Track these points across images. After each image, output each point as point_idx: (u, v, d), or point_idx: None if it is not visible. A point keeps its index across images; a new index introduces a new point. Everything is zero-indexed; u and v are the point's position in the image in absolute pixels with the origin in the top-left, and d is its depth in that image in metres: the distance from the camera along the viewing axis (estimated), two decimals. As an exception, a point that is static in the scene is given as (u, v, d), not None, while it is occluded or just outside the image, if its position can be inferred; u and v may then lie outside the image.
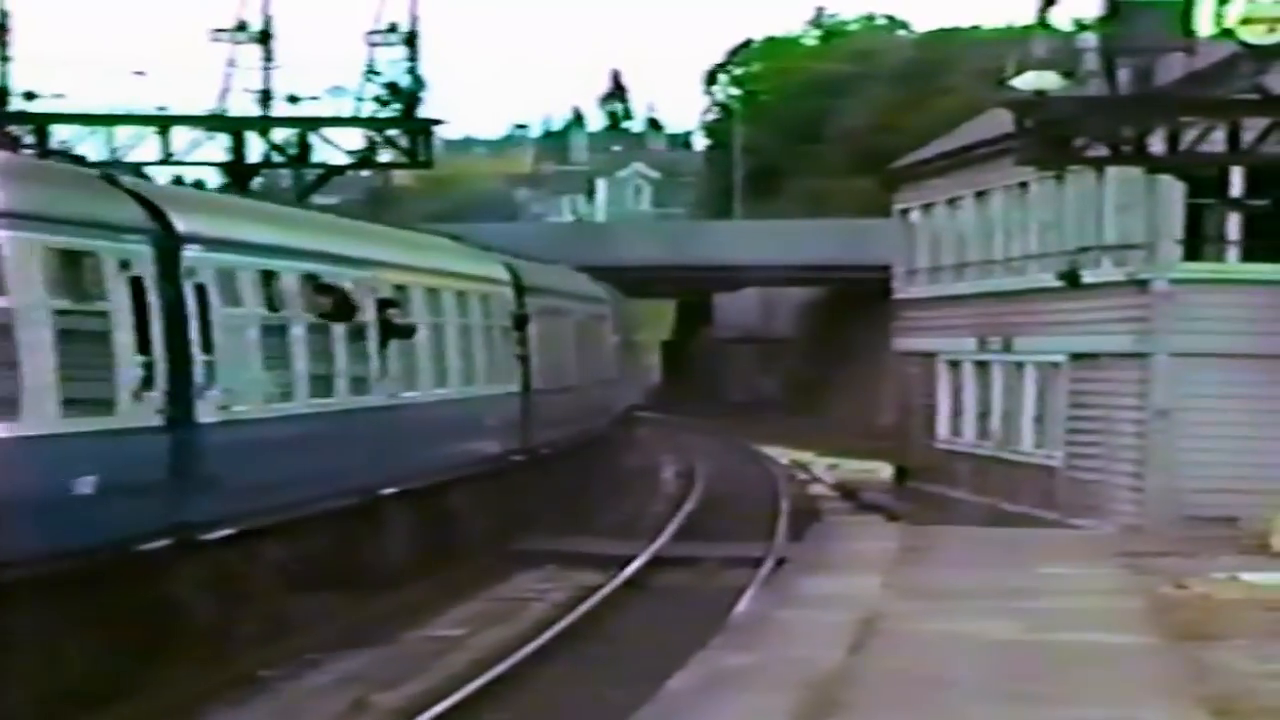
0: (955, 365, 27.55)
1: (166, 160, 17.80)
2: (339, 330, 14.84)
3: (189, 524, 11.93)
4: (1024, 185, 24.91)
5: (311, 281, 14.42)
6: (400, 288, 16.54)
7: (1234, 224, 20.91)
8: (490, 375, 19.50)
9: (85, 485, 10.69)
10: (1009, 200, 25.81)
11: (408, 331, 16.17)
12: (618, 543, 21.98)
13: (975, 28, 71.54)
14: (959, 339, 27.12)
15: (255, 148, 18.33)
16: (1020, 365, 24.99)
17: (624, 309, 32.84)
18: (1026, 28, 18.67)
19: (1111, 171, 21.22)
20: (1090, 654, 11.44)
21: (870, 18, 79.96)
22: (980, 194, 26.89)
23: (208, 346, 12.41)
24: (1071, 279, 21.74)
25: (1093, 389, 22.47)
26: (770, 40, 79.87)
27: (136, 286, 11.52)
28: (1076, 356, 22.95)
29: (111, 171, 12.71)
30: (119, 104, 18.87)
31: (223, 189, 16.81)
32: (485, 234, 28.16)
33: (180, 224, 12.32)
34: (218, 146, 18.19)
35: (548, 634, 14.78)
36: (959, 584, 14.67)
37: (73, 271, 10.90)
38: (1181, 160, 17.46)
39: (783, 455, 41.21)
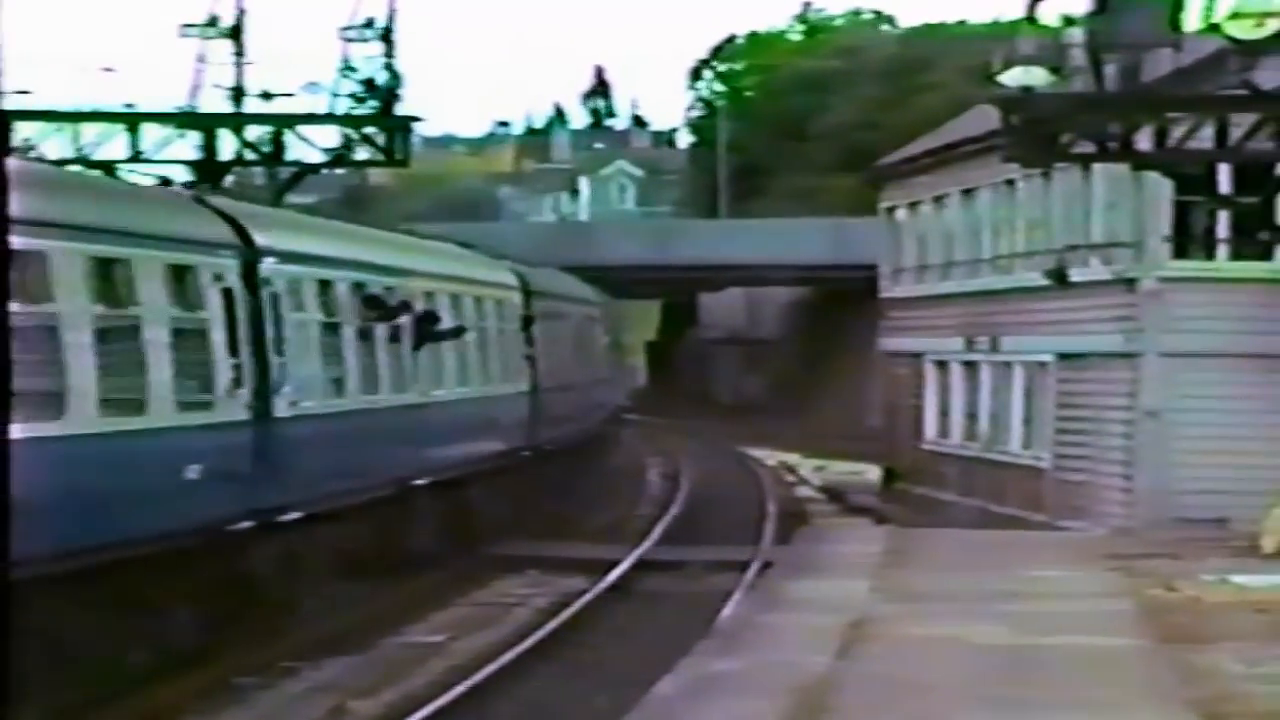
0: (942, 365, 27.43)
1: (135, 158, 17.56)
2: (381, 333, 16.77)
3: (265, 509, 13.64)
4: (1011, 183, 24.79)
5: (359, 290, 16.50)
6: (429, 294, 18.71)
7: (1222, 222, 20.82)
8: (504, 375, 21.64)
9: (192, 472, 12.54)
10: (996, 198, 25.70)
11: (456, 332, 18.74)
12: (602, 546, 21.84)
13: (962, 23, 71.59)
14: (946, 339, 27.00)
15: (227, 145, 18.09)
16: (1008, 365, 24.87)
17: (609, 310, 33.64)
18: (1014, 23, 18.54)
19: (1099, 169, 21.10)
20: (1079, 657, 11.33)
21: (857, 13, 79.97)
22: (967, 192, 26.77)
23: (280, 349, 14.29)
24: (1059, 278, 21.64)
25: (1081, 389, 22.36)
26: (755, 36, 79.85)
27: (227, 296, 13.50)
28: (1064, 356, 22.84)
29: (199, 193, 14.92)
30: (86, 101, 18.60)
31: (189, 185, 16.59)
32: (467, 233, 28.07)
33: (259, 239, 14.28)
34: (188, 144, 17.95)
35: (530, 639, 14.62)
36: (947, 587, 14.55)
37: (180, 284, 12.82)
38: (1169, 157, 17.35)
39: (769, 457, 41.11)
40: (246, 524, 13.35)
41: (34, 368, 10.52)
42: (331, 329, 15.64)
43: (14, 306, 6.95)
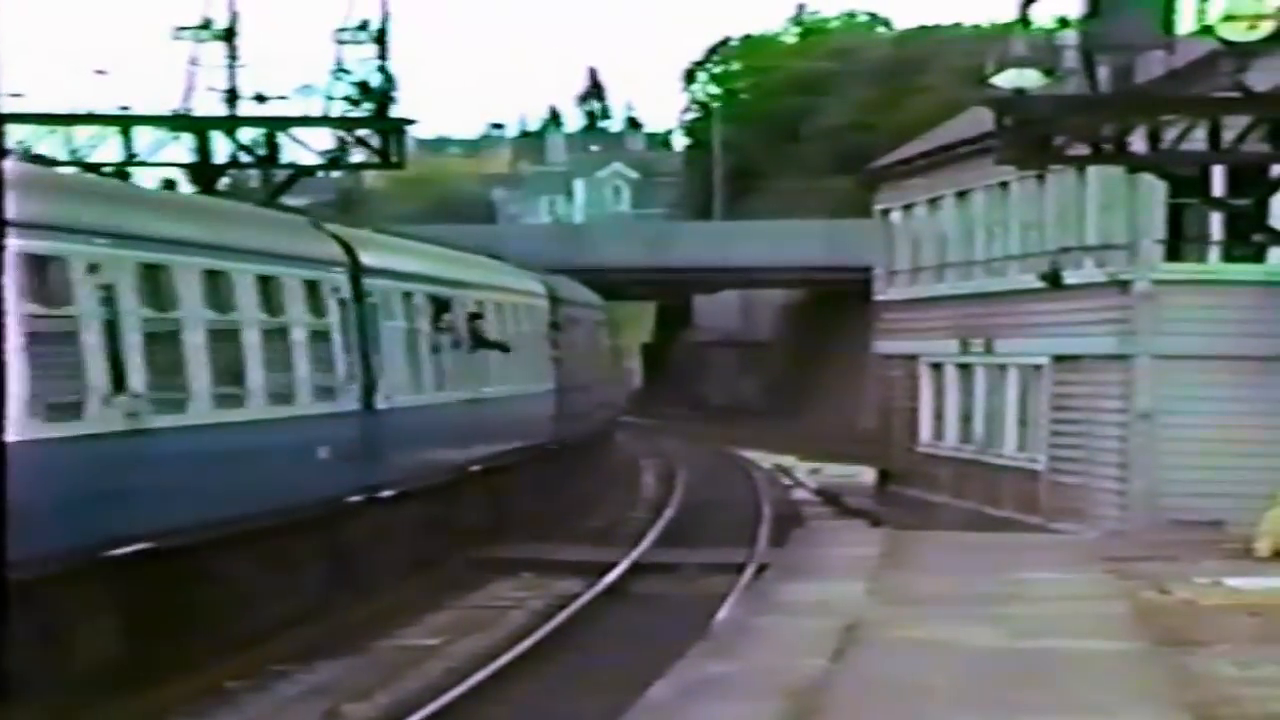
0: (937, 368, 27.43)
1: (129, 161, 17.53)
2: (446, 338, 19.65)
3: (369, 485, 16.43)
4: (1005, 185, 24.79)
5: (433, 300, 19.43)
6: (480, 303, 21.48)
7: (1216, 223, 20.84)
8: (536, 375, 24.14)
9: (323, 453, 15.37)
10: (990, 200, 25.70)
11: (504, 346, 21.72)
12: (597, 549, 21.83)
13: (956, 25, 71.66)
14: (941, 341, 27.00)
15: (221, 148, 18.09)
16: (1002, 367, 24.87)
17: (608, 314, 34.58)
18: (1007, 25, 18.54)
19: (1093, 171, 21.10)
20: (1073, 660, 11.32)
21: (851, 15, 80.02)
22: (961, 194, 26.78)
23: (378, 351, 17.13)
24: (1053, 280, 21.64)
25: (1075, 391, 22.36)
26: (749, 38, 79.87)
27: (343, 306, 16.34)
28: (1059, 358, 22.85)
29: (314, 218, 17.78)
30: (79, 103, 18.58)
31: (165, 185, 16.74)
32: (461, 236, 28.25)
33: (364, 258, 17.23)
34: (182, 147, 17.93)
35: (525, 643, 14.61)
36: (941, 590, 14.55)
37: (313, 296, 15.68)
38: (1162, 159, 17.34)
39: (764, 459, 41.12)
40: (357, 498, 16.22)
41: (226, 365, 13.25)
42: (411, 334, 18.47)
43: (213, 315, 11.17)
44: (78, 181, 14.83)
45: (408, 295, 18.67)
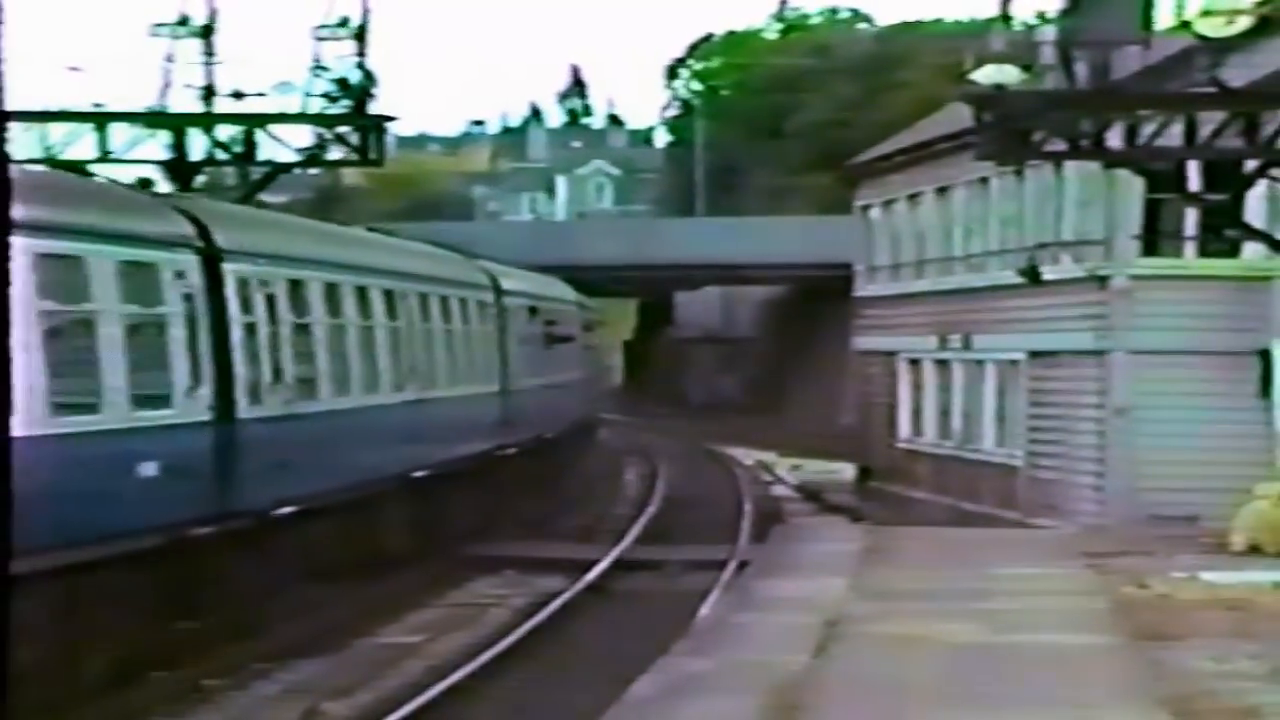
0: (916, 364, 27.49)
1: (104, 158, 17.44)
2: (540, 338, 26.15)
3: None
4: (984, 181, 24.86)
5: (534, 312, 26.43)
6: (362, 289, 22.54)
7: (1191, 219, 20.93)
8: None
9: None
10: (969, 196, 25.77)
11: (566, 339, 28.91)
12: (579, 546, 21.83)
13: (937, 20, 71.80)
14: (920, 337, 27.07)
15: (198, 145, 18.00)
16: (980, 363, 24.94)
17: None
18: (988, 20, 18.59)
19: (1071, 167, 21.18)
20: (1051, 655, 11.38)
21: (833, 11, 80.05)
22: (941, 190, 26.84)
23: (512, 347, 24.72)
24: (1032, 275, 21.71)
25: (1053, 387, 22.44)
26: (731, 35, 79.86)
27: (493, 315, 23.60)
28: (1036, 354, 22.93)
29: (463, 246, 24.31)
30: (53, 100, 18.43)
31: (141, 183, 16.62)
32: (441, 233, 28.36)
33: (504, 284, 25.08)
34: (158, 144, 17.84)
35: (507, 640, 14.60)
36: (921, 585, 14.60)
37: (480, 310, 23.02)
38: (1139, 155, 17.41)
39: (745, 456, 41.16)
40: (512, 450, 23.07)
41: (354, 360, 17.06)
42: (528, 337, 25.85)
43: (384, 320, 17.59)
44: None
45: (525, 307, 23.25)
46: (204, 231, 14.04)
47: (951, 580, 14.88)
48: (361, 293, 17.93)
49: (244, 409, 14.19)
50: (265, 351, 14.86)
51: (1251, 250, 20.03)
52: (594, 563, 19.41)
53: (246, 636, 13.65)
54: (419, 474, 18.98)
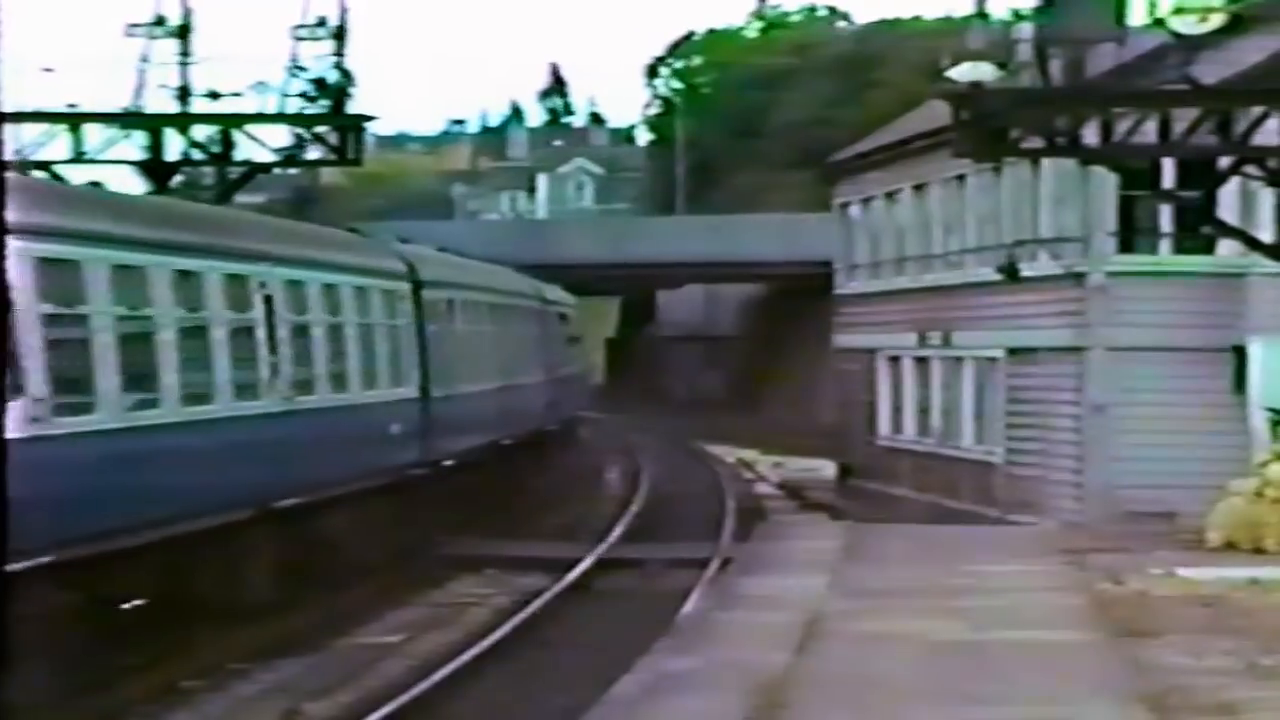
0: (895, 361, 27.58)
1: (78, 159, 17.36)
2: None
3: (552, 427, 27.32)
4: (961, 178, 24.95)
5: (564, 320, 31.51)
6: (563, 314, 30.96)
7: (1166, 216, 21.05)
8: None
9: (556, 397, 25.74)
10: (947, 193, 25.86)
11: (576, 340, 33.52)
12: (561, 545, 21.84)
13: (916, 18, 71.93)
14: (899, 334, 27.15)
15: (174, 145, 17.94)
16: (959, 360, 25.04)
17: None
18: (966, 18, 18.68)
19: (1047, 164, 21.27)
20: (1031, 652, 11.45)
21: (812, 10, 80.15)
22: (918, 187, 26.92)
23: (559, 347, 30.48)
24: (1010, 272, 21.81)
25: (1030, 384, 22.54)
26: (712, 33, 79.90)
27: (557, 321, 29.76)
28: (1014, 351, 23.02)
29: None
30: (25, 101, 18.31)
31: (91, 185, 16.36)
32: (420, 232, 28.09)
33: (549, 294, 30.06)
34: (133, 145, 17.77)
35: (488, 639, 14.61)
36: (902, 583, 14.67)
37: (543, 319, 28.88)
38: (1114, 152, 17.51)
39: (727, 454, 41.23)
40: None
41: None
42: (569, 339, 31.73)
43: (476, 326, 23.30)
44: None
45: (564, 317, 30.10)
46: (413, 268, 20.50)
47: (931, 577, 14.95)
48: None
49: (436, 389, 20.38)
50: (447, 352, 21.02)
51: (1226, 247, 20.17)
52: (576, 561, 19.42)
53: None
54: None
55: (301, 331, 16.19)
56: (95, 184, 15.63)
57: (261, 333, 15.17)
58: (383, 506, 18.00)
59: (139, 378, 12.65)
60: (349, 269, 17.97)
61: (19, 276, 10.44)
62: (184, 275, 13.67)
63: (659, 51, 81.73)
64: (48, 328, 11.34)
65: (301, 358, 16.12)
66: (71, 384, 11.69)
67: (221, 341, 14.24)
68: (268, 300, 15.34)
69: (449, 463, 20.41)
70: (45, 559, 10.58)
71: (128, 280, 12.72)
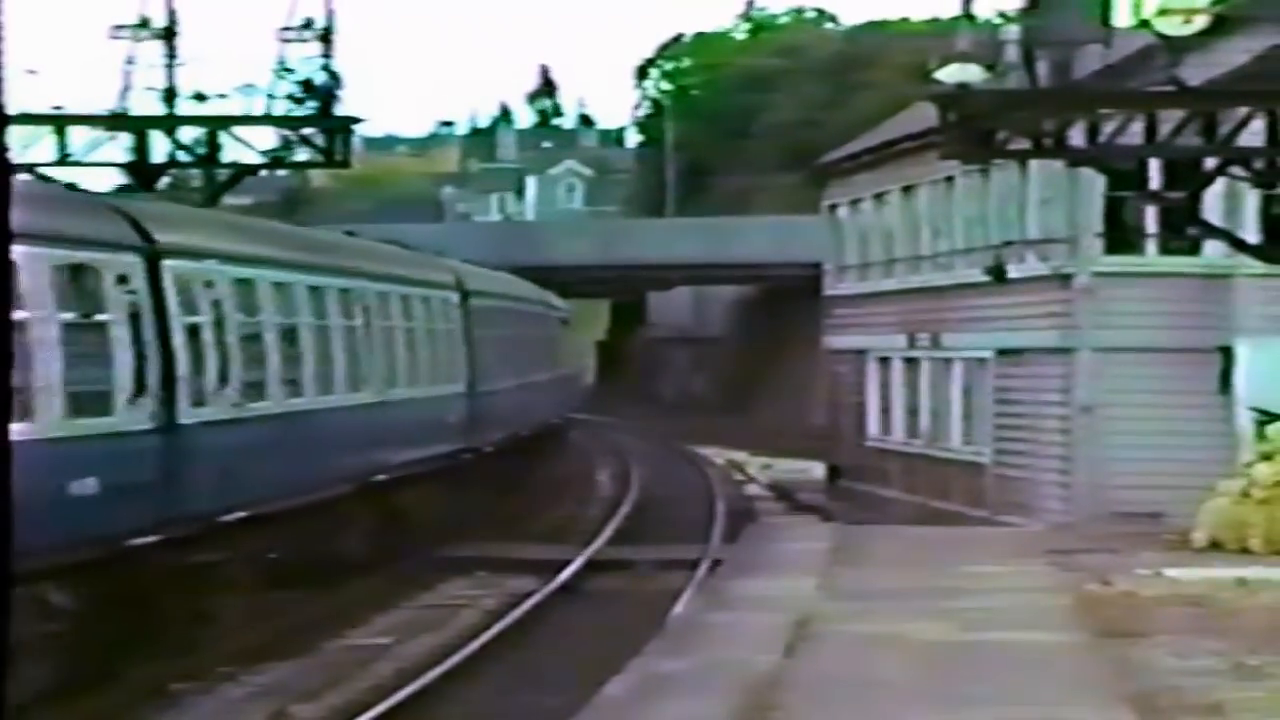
0: (885, 362, 27.63)
1: (63, 161, 17.32)
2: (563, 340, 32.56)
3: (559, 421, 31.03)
4: (950, 180, 25.02)
5: (560, 320, 33.49)
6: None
7: (1152, 217, 21.12)
8: (561, 362, 31.59)
9: (565, 394, 32.26)
10: (935, 195, 25.92)
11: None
12: (551, 547, 21.86)
13: (904, 20, 72.03)
14: (888, 336, 27.20)
15: (160, 147, 17.90)
16: (948, 362, 25.09)
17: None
18: (953, 20, 18.73)
19: (1034, 165, 21.34)
20: (1019, 653, 11.48)
21: (800, 11, 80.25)
22: (907, 189, 26.98)
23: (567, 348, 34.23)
24: (998, 274, 21.87)
25: (1018, 385, 22.60)
26: (701, 35, 79.97)
27: (558, 326, 33.01)
28: (1002, 352, 23.08)
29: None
30: (10, 103, 18.27)
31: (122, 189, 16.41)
32: (409, 235, 28.12)
33: (555, 303, 32.97)
34: (119, 147, 17.74)
35: (478, 641, 14.61)
36: (891, 584, 14.70)
37: (560, 326, 33.31)
38: (1100, 153, 17.56)
39: (717, 455, 41.27)
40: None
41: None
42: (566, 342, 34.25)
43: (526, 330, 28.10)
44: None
45: (565, 322, 33.84)
46: (460, 280, 23.32)
47: (920, 579, 14.98)
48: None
49: (479, 385, 23.04)
50: (486, 352, 23.57)
51: (1212, 248, 20.24)
52: (566, 563, 19.43)
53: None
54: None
55: (388, 335, 19.19)
56: (71, 185, 15.75)
57: (363, 336, 18.18)
58: (442, 484, 21.01)
59: (290, 372, 15.73)
60: (416, 282, 21.25)
61: (226, 294, 14.22)
62: (313, 290, 16.68)
63: (648, 53, 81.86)
64: (240, 334, 14.55)
65: (388, 357, 19.10)
66: (254, 379, 14.82)
67: (339, 344, 17.30)
68: (365, 310, 18.28)
69: (488, 449, 23.46)
70: (242, 514, 13.80)
71: (280, 296, 15.79)
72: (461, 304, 23.11)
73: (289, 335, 15.60)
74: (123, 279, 12.26)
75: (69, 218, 12.16)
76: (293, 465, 15.24)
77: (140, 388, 12.32)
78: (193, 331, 13.19)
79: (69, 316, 11.45)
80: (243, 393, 14.07)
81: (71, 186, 14.24)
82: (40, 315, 10.93)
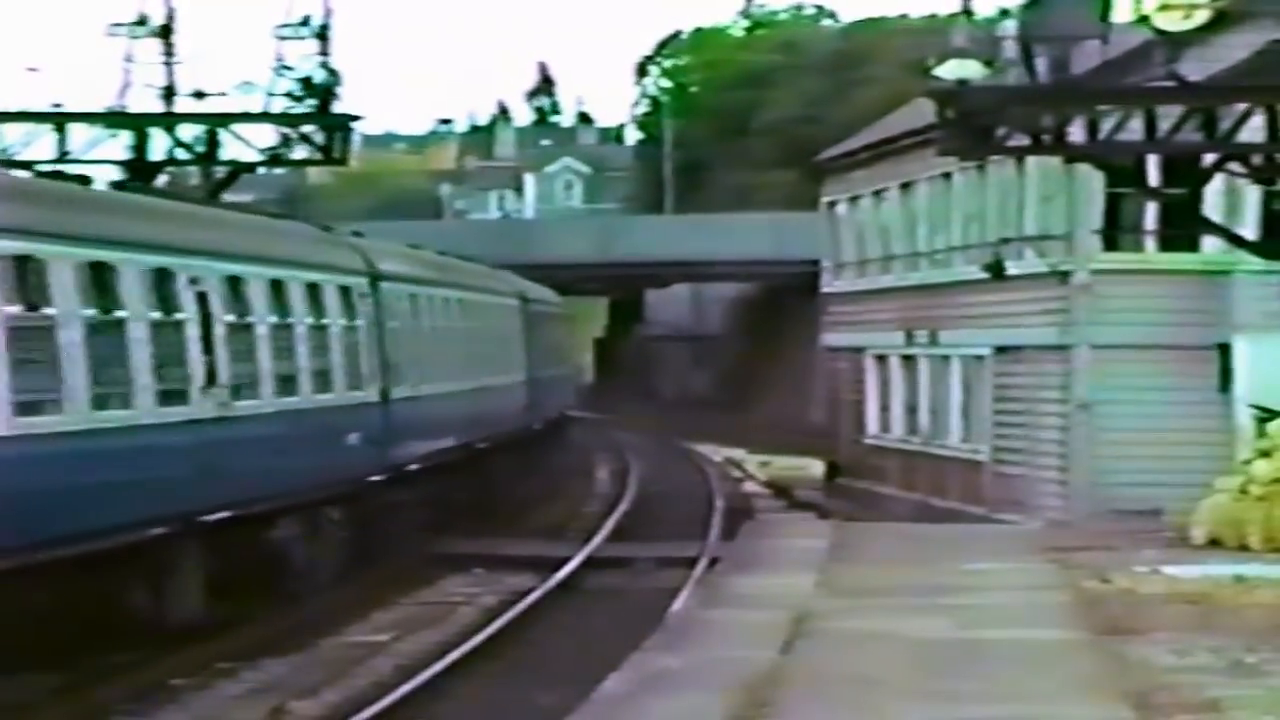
0: (882, 360, 27.63)
1: (62, 159, 17.34)
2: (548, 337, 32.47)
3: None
4: (948, 176, 25.01)
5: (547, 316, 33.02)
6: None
7: (1150, 213, 21.12)
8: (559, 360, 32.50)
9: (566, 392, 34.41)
10: (933, 191, 25.91)
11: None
12: (550, 544, 21.87)
13: (902, 16, 72.15)
14: (886, 333, 27.20)
15: (159, 145, 17.91)
16: (946, 359, 25.09)
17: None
18: (951, 16, 18.71)
19: (1033, 162, 21.33)
20: (1017, 650, 11.49)
21: (798, 8, 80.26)
22: (905, 185, 26.97)
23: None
24: (996, 270, 21.87)
25: (1017, 382, 22.61)
26: (699, 32, 79.95)
27: (541, 320, 31.61)
28: (1000, 349, 23.08)
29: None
30: (10, 101, 18.31)
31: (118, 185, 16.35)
32: (407, 232, 28.05)
33: (534, 295, 30.67)
34: (118, 145, 17.75)
35: (476, 638, 14.62)
36: (889, 581, 14.71)
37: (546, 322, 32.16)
38: (1099, 149, 17.54)
39: (715, 453, 41.31)
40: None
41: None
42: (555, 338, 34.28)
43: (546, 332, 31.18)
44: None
45: (563, 318, 36.13)
46: (522, 292, 26.84)
47: (918, 576, 14.98)
48: None
49: (533, 373, 26.63)
50: (540, 345, 27.35)
51: (1211, 244, 20.24)
52: (565, 560, 19.44)
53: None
54: None
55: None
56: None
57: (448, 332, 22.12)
58: (474, 469, 23.09)
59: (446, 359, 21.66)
60: (484, 290, 25.07)
61: (391, 305, 19.03)
62: (413, 298, 20.51)
63: (647, 51, 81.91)
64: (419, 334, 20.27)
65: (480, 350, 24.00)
66: (406, 367, 19.35)
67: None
68: (446, 302, 22.37)
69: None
70: (381, 476, 17.99)
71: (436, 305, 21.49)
72: (522, 309, 25.60)
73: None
74: (363, 295, 17.87)
75: (339, 254, 17.99)
76: (446, 431, 20.98)
77: (370, 371, 17.72)
78: (395, 333, 18.48)
79: (342, 322, 17.10)
80: (421, 376, 19.35)
81: (327, 228, 19.51)
82: (330, 321, 16.91)
